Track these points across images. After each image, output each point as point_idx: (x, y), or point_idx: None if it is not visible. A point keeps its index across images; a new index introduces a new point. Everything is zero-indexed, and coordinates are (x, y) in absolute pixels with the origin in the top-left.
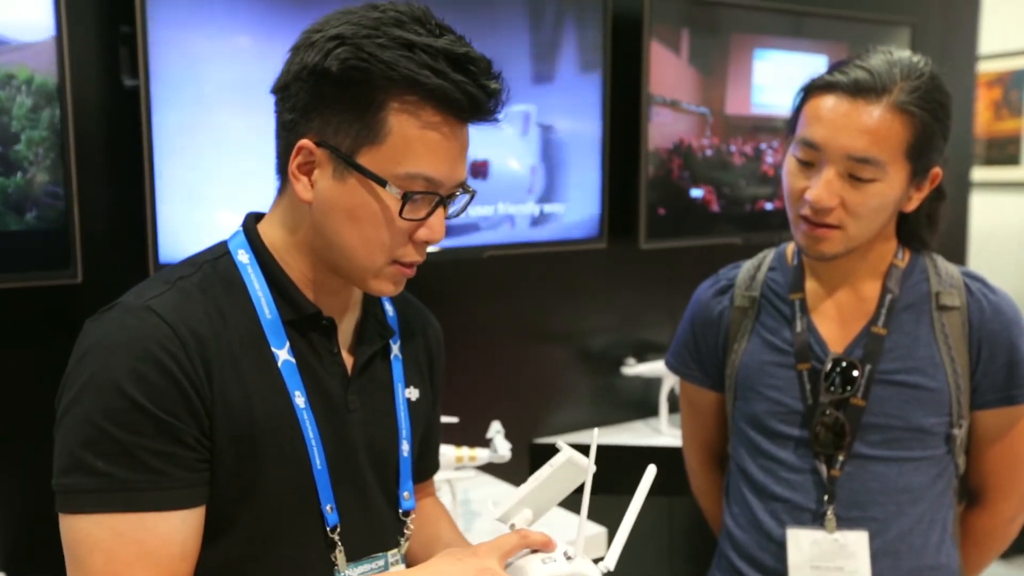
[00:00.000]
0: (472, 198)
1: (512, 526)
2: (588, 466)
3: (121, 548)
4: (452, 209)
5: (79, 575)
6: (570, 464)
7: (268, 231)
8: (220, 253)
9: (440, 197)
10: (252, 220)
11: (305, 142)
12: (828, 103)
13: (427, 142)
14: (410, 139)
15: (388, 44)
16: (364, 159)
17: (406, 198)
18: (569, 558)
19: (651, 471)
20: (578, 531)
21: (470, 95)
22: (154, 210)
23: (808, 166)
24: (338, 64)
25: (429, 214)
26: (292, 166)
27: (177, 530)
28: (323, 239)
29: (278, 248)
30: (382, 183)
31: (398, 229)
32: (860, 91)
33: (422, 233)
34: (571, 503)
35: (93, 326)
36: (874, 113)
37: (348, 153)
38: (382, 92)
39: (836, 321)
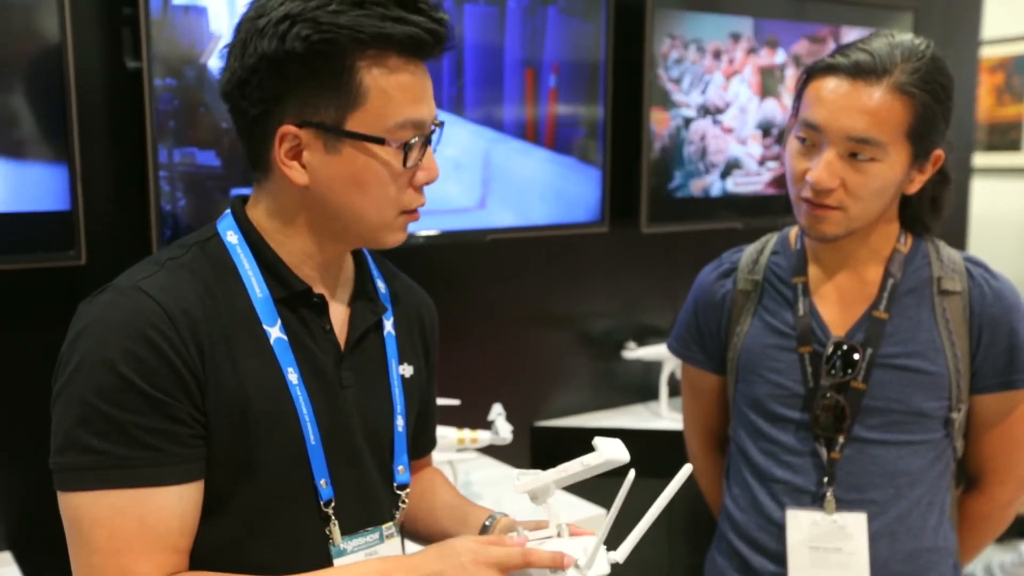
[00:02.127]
0: (442, 128)
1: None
2: (613, 509)
3: (122, 523)
4: (433, 144)
5: (82, 551)
6: (604, 465)
7: (256, 214)
8: (209, 235)
9: (427, 136)
10: (239, 202)
11: (287, 128)
12: (829, 85)
13: (403, 88)
14: (387, 91)
15: (340, 9)
16: (353, 125)
17: (407, 147)
18: (579, 567)
19: (686, 470)
20: (594, 550)
21: (432, 31)
22: (157, 192)
23: (810, 147)
24: (301, 43)
25: (422, 156)
26: (279, 155)
27: (175, 504)
28: (327, 214)
29: (267, 229)
30: (380, 141)
31: (401, 180)
32: (861, 73)
33: (421, 176)
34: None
35: (86, 308)
36: (874, 94)
37: (336, 124)
38: (350, 57)
39: (838, 305)
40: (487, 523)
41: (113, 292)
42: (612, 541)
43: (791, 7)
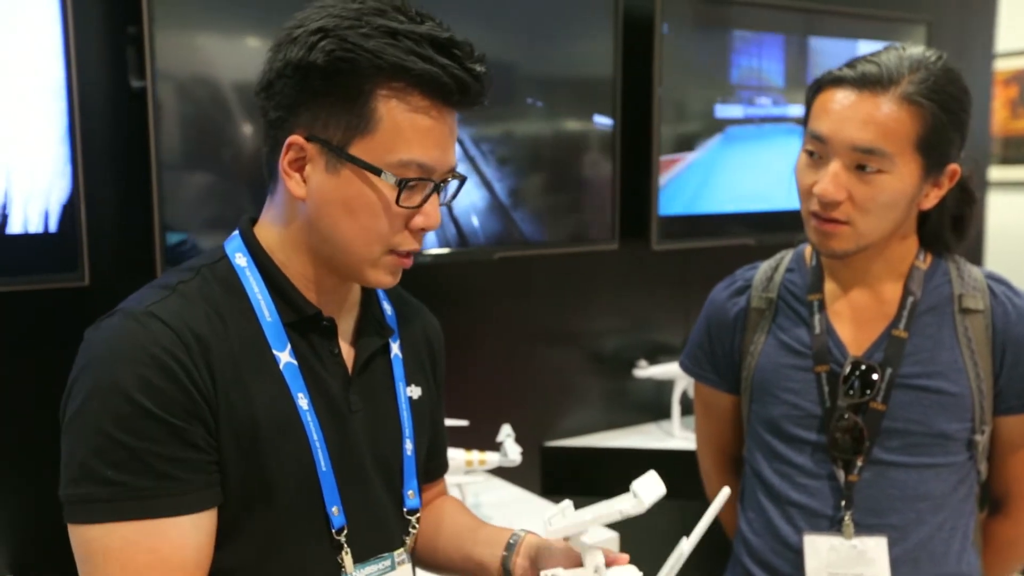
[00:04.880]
0: (462, 184)
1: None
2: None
3: (135, 555)
4: (444, 196)
5: None
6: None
7: (264, 233)
8: (217, 257)
9: (434, 184)
10: (248, 223)
11: (295, 138)
12: (836, 96)
13: (417, 128)
14: (401, 126)
15: (371, 33)
16: (357, 150)
17: (402, 185)
18: None
19: (724, 493)
20: None
21: (457, 78)
22: (161, 212)
23: (817, 161)
24: (324, 56)
25: (424, 201)
26: (283, 163)
27: (190, 535)
28: (318, 234)
29: (275, 249)
30: (377, 172)
31: (394, 217)
32: (867, 83)
33: (418, 221)
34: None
35: (95, 334)
36: (881, 105)
37: (340, 145)
38: (369, 81)
39: (855, 323)
40: (511, 541)
41: (123, 317)
42: (638, 565)
43: (802, 22)
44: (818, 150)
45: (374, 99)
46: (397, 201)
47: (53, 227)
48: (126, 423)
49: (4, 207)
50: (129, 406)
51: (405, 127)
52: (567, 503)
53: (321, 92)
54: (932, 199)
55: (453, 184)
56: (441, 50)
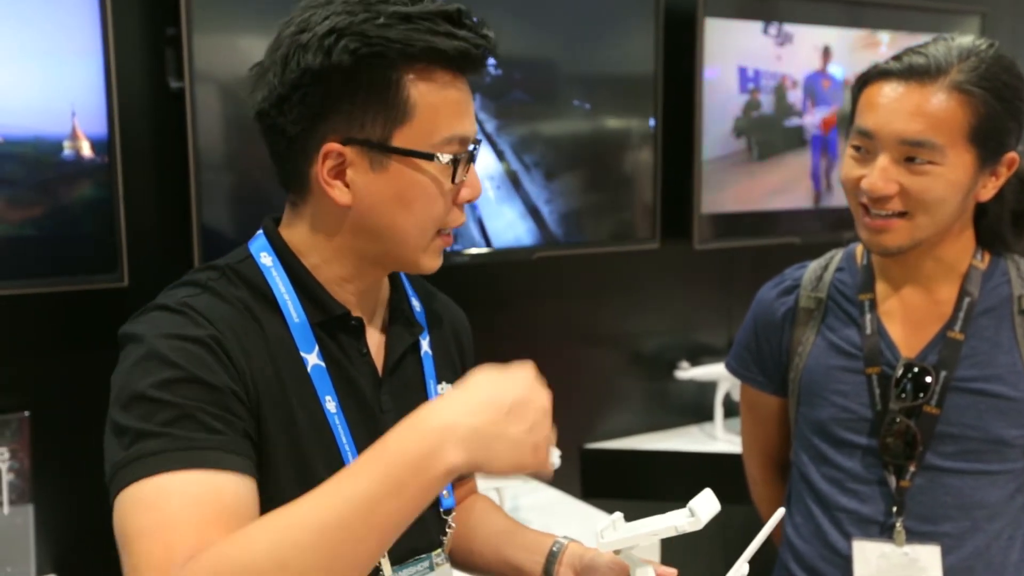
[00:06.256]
0: (479, 145)
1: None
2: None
3: (170, 504)
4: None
5: (156, 536)
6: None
7: (295, 239)
8: (242, 256)
9: (471, 153)
10: (272, 223)
11: (330, 146)
12: (883, 90)
13: (450, 103)
14: (435, 105)
15: (388, 22)
16: (400, 140)
17: (456, 162)
18: None
19: (780, 513)
20: None
21: (480, 47)
22: (200, 212)
23: (864, 155)
24: (349, 56)
25: (466, 172)
26: (322, 174)
27: (250, 493)
28: (369, 234)
29: (303, 251)
30: (429, 157)
31: (448, 197)
32: (915, 75)
33: (465, 193)
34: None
35: (133, 324)
36: (930, 96)
37: (382, 140)
38: (396, 71)
39: (908, 324)
40: (555, 549)
41: (160, 309)
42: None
43: (846, 13)
44: (865, 145)
45: (404, 86)
46: (453, 180)
47: (92, 228)
48: (171, 386)
49: (44, 208)
50: (174, 370)
51: (439, 105)
52: (618, 515)
53: (349, 93)
54: (991, 190)
55: (477, 150)
56: (456, 24)
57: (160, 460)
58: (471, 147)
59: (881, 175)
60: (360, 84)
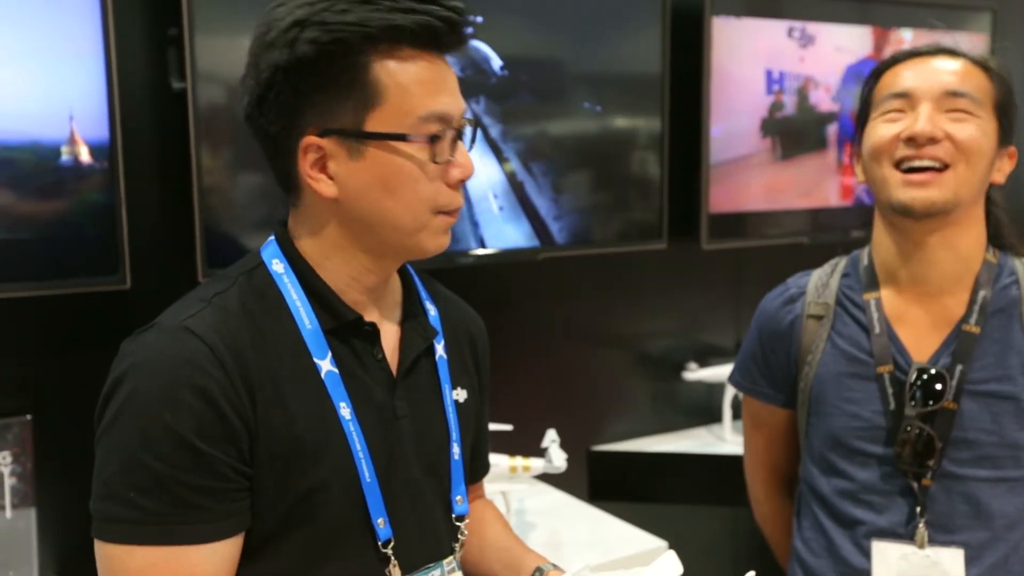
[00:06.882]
0: (476, 130)
1: None
2: None
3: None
4: (466, 142)
5: None
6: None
7: (299, 242)
8: (254, 264)
9: (456, 131)
10: (283, 228)
11: (308, 139)
12: (908, 63)
13: (422, 80)
14: (405, 85)
15: (347, 7)
16: (373, 125)
17: (433, 140)
18: None
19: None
20: None
21: (446, 19)
22: (202, 214)
23: (898, 116)
24: (311, 47)
25: (453, 150)
26: (304, 169)
27: (208, 561)
28: (360, 224)
29: (312, 254)
30: (403, 138)
31: (433, 177)
32: (938, 51)
33: (455, 173)
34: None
35: (130, 347)
36: (959, 62)
37: (355, 127)
38: (362, 54)
39: (918, 327)
40: (535, 574)
41: (158, 332)
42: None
43: (855, 10)
44: (901, 106)
45: (371, 69)
46: (433, 159)
47: (94, 231)
48: (154, 447)
49: (45, 211)
50: (159, 429)
51: (410, 84)
52: (584, 566)
53: (318, 84)
54: (1000, 174)
55: (469, 131)
56: None
57: (126, 530)
58: (460, 124)
59: (929, 120)
60: (327, 73)
